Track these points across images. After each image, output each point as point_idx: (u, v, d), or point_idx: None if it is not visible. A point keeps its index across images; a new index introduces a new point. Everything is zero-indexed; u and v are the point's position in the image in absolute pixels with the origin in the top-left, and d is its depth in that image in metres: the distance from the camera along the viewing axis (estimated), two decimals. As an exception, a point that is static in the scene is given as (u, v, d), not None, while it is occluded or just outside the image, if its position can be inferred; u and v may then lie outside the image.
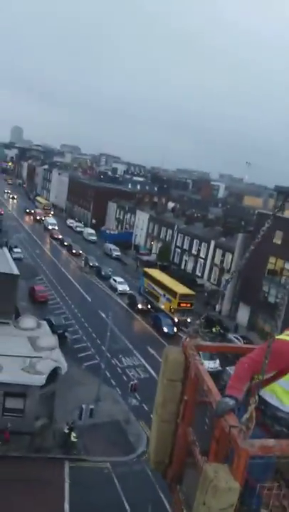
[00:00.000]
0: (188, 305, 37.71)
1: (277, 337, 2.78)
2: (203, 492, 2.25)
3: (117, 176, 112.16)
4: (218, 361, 29.15)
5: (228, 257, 43.48)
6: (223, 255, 44.62)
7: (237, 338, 34.54)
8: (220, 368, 28.69)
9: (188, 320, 35.71)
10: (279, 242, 35.62)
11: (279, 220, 35.46)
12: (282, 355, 2.67)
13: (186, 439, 3.06)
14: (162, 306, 38.82)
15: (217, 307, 41.84)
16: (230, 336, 35.42)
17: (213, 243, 46.49)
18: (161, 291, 39.67)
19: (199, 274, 48.16)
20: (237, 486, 2.23)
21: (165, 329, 35.04)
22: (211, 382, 2.84)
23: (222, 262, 44.80)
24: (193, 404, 3.12)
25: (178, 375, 3.13)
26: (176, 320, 36.41)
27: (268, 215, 38.58)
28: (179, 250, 53.22)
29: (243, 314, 40.22)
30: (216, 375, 28.64)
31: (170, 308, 37.71)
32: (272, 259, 37.01)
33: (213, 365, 29.21)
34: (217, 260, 45.56)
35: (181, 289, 38.41)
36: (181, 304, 37.22)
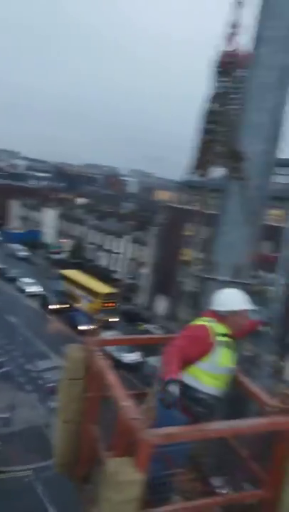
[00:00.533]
0: (113, 304, 37.18)
1: (193, 322, 2.96)
2: (107, 488, 2.19)
3: (17, 172, 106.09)
4: (138, 353, 29.65)
5: (143, 250, 44.32)
6: (138, 249, 45.39)
7: (156, 329, 35.45)
8: (140, 360, 29.23)
9: (114, 320, 35.42)
10: (189, 233, 37.20)
11: (188, 213, 37.11)
12: (198, 339, 2.83)
13: (91, 437, 2.99)
14: (85, 308, 37.82)
15: (135, 300, 42.53)
16: (149, 326, 36.28)
17: (127, 238, 47.02)
18: (81, 293, 38.59)
19: (115, 270, 48.43)
20: (140, 478, 2.20)
21: (81, 327, 34.61)
22: (113, 377, 2.79)
23: (137, 255, 45.55)
24: (97, 401, 3.05)
25: (79, 373, 3.03)
26: (101, 320, 35.88)
27: (177, 208, 40.14)
28: (92, 246, 52.88)
29: (161, 305, 41.39)
30: (136, 367, 29.20)
31: (93, 310, 37.00)
32: (184, 251, 38.52)
33: (134, 357, 29.67)
34: (132, 254, 46.21)
35: (103, 288, 37.68)
36: (105, 304, 36.53)
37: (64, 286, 41.24)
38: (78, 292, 38.80)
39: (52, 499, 16.81)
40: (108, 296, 37.03)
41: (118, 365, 28.79)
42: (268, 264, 4.21)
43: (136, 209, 62.17)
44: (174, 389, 2.49)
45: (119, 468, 2.18)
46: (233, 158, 2.47)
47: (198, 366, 2.85)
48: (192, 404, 2.84)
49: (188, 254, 38.50)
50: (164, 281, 39.98)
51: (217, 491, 2.89)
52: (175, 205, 42.41)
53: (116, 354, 29.61)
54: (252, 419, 2.66)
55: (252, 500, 2.73)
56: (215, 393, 2.91)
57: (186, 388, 2.81)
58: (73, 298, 39.31)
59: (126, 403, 2.48)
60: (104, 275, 44.96)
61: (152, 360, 26.92)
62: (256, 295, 3.75)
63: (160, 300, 41.59)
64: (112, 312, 36.53)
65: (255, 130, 3.68)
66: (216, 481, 3.00)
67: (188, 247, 38.02)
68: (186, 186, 43.10)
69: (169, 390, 2.49)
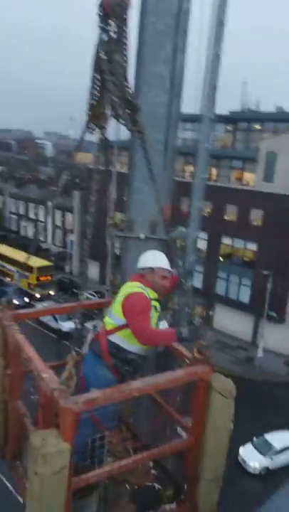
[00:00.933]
0: (49, 277, 35.69)
1: (131, 290, 3.03)
2: (34, 462, 2.15)
3: None
4: (76, 320, 29.61)
5: (69, 216, 43.28)
6: (63, 216, 44.22)
7: (92, 294, 35.51)
8: (79, 327, 29.27)
9: (51, 293, 34.34)
10: (115, 196, 36.86)
11: (110, 174, 36.50)
12: (148, 308, 2.96)
13: (17, 413, 2.91)
14: (19, 284, 35.58)
15: (67, 268, 41.96)
16: (84, 292, 36.15)
17: (50, 204, 45.48)
18: (13, 268, 36.41)
19: (42, 239, 47.03)
20: (66, 447, 2.19)
21: (15, 301, 33.56)
22: (30, 351, 2.71)
23: (63, 222, 44.44)
24: (19, 377, 2.96)
25: None
26: (37, 295, 34.66)
27: (98, 170, 39.27)
28: (15, 217, 50.54)
29: (94, 270, 41.29)
30: (75, 335, 29.21)
31: (28, 285, 35.52)
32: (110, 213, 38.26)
33: (72, 325, 29.63)
34: (58, 222, 44.97)
35: (37, 262, 35.63)
36: (41, 278, 34.97)
37: None
38: (10, 268, 36.73)
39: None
40: (43, 269, 35.47)
41: (59, 334, 28.73)
42: (182, 218, 4.27)
43: (56, 174, 59.86)
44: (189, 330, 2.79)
45: (44, 441, 2.15)
46: (128, 110, 2.37)
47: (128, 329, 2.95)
48: (121, 364, 2.97)
49: (114, 216, 38.26)
50: (94, 246, 39.64)
51: (147, 446, 3.00)
52: (95, 167, 41.43)
53: (54, 324, 29.39)
54: (171, 373, 2.75)
55: (180, 448, 2.89)
56: (142, 353, 3.07)
57: (116, 349, 2.97)
58: (5, 274, 37.25)
59: (45, 374, 2.43)
60: (30, 246, 43.41)
61: (90, 325, 27.10)
62: (173, 249, 3.80)
63: (92, 266, 41.45)
64: (49, 286, 35.39)
65: (153, 81, 3.56)
66: (145, 437, 3.12)
67: (113, 210, 37.72)
68: (103, 146, 42.04)
69: (178, 330, 2.77)
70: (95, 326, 3.35)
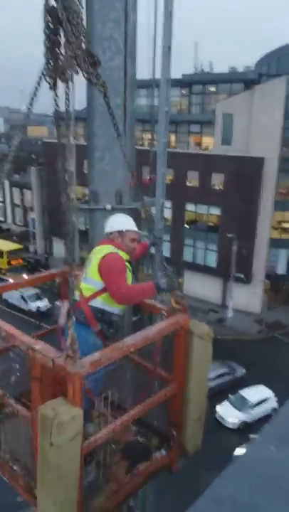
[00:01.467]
0: (20, 261, 34.49)
1: (105, 251, 3.03)
2: (48, 434, 2.14)
3: None
4: (46, 300, 29.42)
5: (27, 194, 42.01)
6: (22, 193, 42.89)
7: (25, 260, 35.04)
8: (49, 305, 29.15)
9: (25, 276, 33.19)
10: (72, 169, 35.94)
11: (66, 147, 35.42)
12: (124, 269, 3.00)
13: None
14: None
15: (31, 248, 41.11)
16: (52, 271, 35.70)
17: (7, 183, 43.90)
18: None
19: (2, 219, 45.64)
20: (79, 411, 2.21)
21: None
22: (7, 326, 2.66)
23: (22, 200, 43.16)
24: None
25: None
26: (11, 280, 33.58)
27: (55, 143, 38.05)
28: (-28, 199, 48.62)
29: (58, 248, 40.68)
30: (47, 313, 29.18)
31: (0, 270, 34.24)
32: (71, 189, 37.41)
33: (42, 304, 29.45)
34: (17, 200, 43.63)
35: (5, 245, 34.52)
36: (12, 262, 33.74)
37: None
38: None
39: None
40: (13, 253, 34.23)
41: (29, 314, 28.48)
42: (146, 187, 4.23)
43: (10, 150, 57.31)
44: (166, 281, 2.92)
45: (55, 410, 2.14)
46: (88, 61, 2.26)
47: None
48: (107, 328, 3.03)
49: (74, 190, 37.43)
50: (57, 223, 38.98)
51: (129, 408, 3.07)
52: (51, 141, 40.17)
53: (24, 305, 29.03)
54: (155, 326, 2.81)
55: (165, 398, 2.99)
56: (122, 313, 3.17)
57: (102, 313, 3.01)
58: None
59: (38, 346, 2.40)
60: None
61: (59, 303, 26.98)
62: (140, 218, 3.79)
63: (57, 243, 40.83)
64: (21, 269, 33.92)
65: (106, 43, 3.42)
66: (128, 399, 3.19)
67: (76, 184, 36.91)
68: (57, 118, 40.62)
69: (166, 283, 2.90)
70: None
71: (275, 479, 1.99)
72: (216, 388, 20.44)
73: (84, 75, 2.32)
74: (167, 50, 3.67)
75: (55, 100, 2.48)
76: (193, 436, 3.18)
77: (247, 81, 31.61)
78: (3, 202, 44.67)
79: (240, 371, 22.86)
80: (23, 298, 29.09)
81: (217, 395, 20.07)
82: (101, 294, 2.98)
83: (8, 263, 33.65)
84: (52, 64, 2.25)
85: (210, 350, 2.95)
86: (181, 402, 2.99)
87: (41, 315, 28.77)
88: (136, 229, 3.27)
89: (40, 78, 2.29)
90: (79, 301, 3.04)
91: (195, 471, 15.62)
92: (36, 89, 2.33)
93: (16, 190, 43.16)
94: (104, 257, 2.99)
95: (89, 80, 2.36)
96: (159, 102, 3.92)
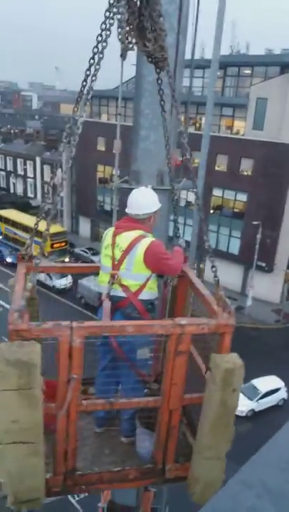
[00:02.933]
0: (63, 244, 33.95)
1: (148, 239, 2.95)
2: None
3: None
4: (69, 277, 29.89)
5: (58, 171, 42.21)
6: (52, 171, 43.19)
7: (84, 251, 35.42)
8: (71, 284, 29.74)
9: (67, 260, 32.46)
10: (103, 148, 35.90)
11: (98, 126, 35.39)
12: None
13: None
14: (33, 252, 34.09)
15: (58, 224, 41.60)
16: (77, 250, 36.15)
17: (38, 160, 44.26)
18: (26, 235, 33.55)
19: (32, 196, 46.20)
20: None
21: (8, 259, 33.60)
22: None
23: (52, 178, 43.45)
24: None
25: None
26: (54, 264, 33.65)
27: (87, 121, 37.98)
28: (2, 173, 49.29)
29: (84, 227, 41.04)
30: (69, 291, 29.65)
31: (44, 253, 33.89)
32: (100, 168, 37.44)
33: (66, 281, 29.97)
34: (47, 177, 44.01)
35: (52, 229, 33.98)
36: (55, 245, 33.04)
37: (2, 228, 36.89)
38: (21, 234, 34.56)
39: None
40: (57, 235, 33.14)
41: (52, 291, 29.02)
42: (184, 169, 4.22)
43: (43, 127, 57.69)
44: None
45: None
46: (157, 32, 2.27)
47: (152, 279, 2.98)
48: (153, 316, 3.01)
49: (105, 170, 37.51)
50: (85, 202, 39.20)
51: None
52: (84, 119, 40.03)
53: (49, 281, 29.57)
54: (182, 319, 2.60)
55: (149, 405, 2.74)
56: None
57: (151, 304, 3.00)
58: (18, 242, 34.48)
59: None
60: (22, 203, 42.69)
61: (84, 282, 27.42)
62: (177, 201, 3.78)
63: (83, 222, 41.14)
64: (64, 253, 33.78)
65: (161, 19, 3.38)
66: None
67: (104, 164, 36.92)
68: (93, 96, 40.36)
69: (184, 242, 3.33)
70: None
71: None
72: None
73: (155, 47, 2.32)
74: (220, 28, 3.60)
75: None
76: (205, 484, 2.59)
77: (283, 64, 30.50)
78: (34, 178, 45.11)
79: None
80: (48, 274, 29.67)
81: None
82: (146, 285, 2.93)
83: (52, 246, 32.69)
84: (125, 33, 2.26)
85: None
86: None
87: (62, 291, 29.30)
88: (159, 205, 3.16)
89: (99, 53, 2.28)
90: (127, 297, 2.90)
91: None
92: (98, 64, 2.34)
93: (46, 168, 43.45)
94: (148, 249, 2.88)
95: (159, 51, 2.37)
96: (209, 83, 3.86)
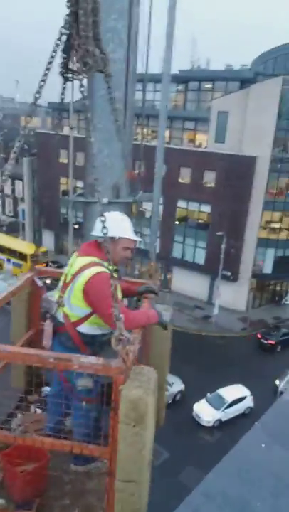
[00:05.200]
0: (44, 265, 33.47)
1: (92, 271, 2.56)
2: None
3: None
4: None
5: (19, 184, 41.62)
6: (13, 184, 42.47)
7: (48, 264, 34.83)
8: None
9: (48, 282, 31.49)
10: (65, 161, 35.68)
11: (60, 138, 35.15)
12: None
13: None
14: (12, 273, 31.86)
15: (20, 239, 40.78)
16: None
17: (-2, 173, 43.46)
18: (2, 256, 33.17)
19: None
20: None
21: None
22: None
23: (13, 191, 42.73)
24: None
25: None
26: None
27: (48, 134, 37.77)
28: None
29: (48, 240, 40.46)
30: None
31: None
32: (63, 180, 37.20)
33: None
34: (7, 190, 43.20)
35: (28, 248, 32.15)
36: (36, 267, 32.39)
37: None
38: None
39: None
40: (38, 256, 32.57)
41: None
42: (133, 181, 4.20)
43: (2, 140, 56.73)
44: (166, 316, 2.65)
45: None
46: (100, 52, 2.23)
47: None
48: (96, 350, 2.66)
49: (67, 182, 37.22)
50: (47, 214, 38.72)
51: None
52: (46, 132, 39.80)
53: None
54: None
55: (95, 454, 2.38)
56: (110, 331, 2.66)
57: (92, 338, 2.65)
58: None
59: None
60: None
61: (49, 295, 26.84)
62: (135, 214, 3.76)
63: (46, 235, 40.57)
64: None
65: (110, 35, 3.37)
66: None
67: (66, 176, 36.63)
68: (54, 109, 40.32)
69: (163, 319, 2.63)
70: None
71: (264, 475, 2.02)
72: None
73: (97, 64, 2.27)
74: (170, 41, 3.65)
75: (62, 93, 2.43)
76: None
77: (243, 80, 31.68)
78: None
79: (179, 386, 21.09)
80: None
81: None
82: (88, 319, 2.61)
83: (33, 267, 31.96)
84: (67, 55, 2.21)
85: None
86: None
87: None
88: (133, 236, 2.79)
89: (48, 68, 2.22)
90: (64, 324, 2.65)
91: (175, 467, 15.83)
92: (44, 80, 2.27)
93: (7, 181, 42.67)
94: (88, 281, 2.52)
95: (101, 70, 2.32)
96: (161, 96, 3.89)
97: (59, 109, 38.74)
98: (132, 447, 2.03)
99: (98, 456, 2.53)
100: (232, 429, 18.15)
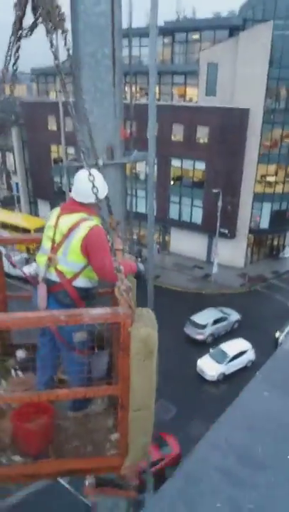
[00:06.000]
0: None
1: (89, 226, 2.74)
2: None
3: None
4: (34, 264, 29.18)
5: (9, 156, 40.68)
6: (3, 156, 41.47)
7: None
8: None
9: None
10: (54, 128, 34.74)
11: (47, 105, 34.07)
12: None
13: None
14: (17, 249, 31.55)
15: (16, 211, 40.44)
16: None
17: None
18: (4, 232, 33.28)
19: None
20: None
21: None
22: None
23: (4, 163, 41.78)
24: None
25: None
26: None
27: (34, 103, 36.52)
28: None
29: (44, 210, 40.09)
30: (36, 278, 28.93)
31: (27, 250, 32.73)
32: (53, 148, 36.33)
33: (31, 268, 29.29)
34: (-2, 162, 42.30)
35: (31, 222, 32.34)
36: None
37: None
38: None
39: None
40: (41, 230, 31.93)
41: (17, 279, 28.36)
42: (126, 141, 4.13)
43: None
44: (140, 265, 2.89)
45: None
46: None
47: (90, 267, 2.80)
48: (90, 303, 2.86)
49: (59, 150, 36.32)
50: (42, 185, 38.16)
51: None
52: (32, 100, 38.50)
53: (12, 270, 28.76)
54: (90, 310, 2.52)
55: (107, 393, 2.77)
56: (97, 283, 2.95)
57: (86, 292, 2.84)
58: None
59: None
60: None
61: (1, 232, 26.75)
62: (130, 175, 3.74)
63: (42, 205, 40.16)
64: None
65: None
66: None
67: (56, 143, 35.68)
68: (38, 75, 38.76)
69: (140, 268, 2.85)
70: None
71: (268, 422, 2.15)
72: (215, 334, 22.45)
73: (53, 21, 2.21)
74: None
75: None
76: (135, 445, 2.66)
77: (231, 27, 30.22)
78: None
79: (235, 316, 23.95)
80: (11, 263, 28.70)
81: (214, 342, 21.90)
82: (82, 272, 2.79)
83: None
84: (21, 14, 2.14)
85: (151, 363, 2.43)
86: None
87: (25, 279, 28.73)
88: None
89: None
90: (60, 282, 2.79)
91: (184, 422, 16.56)
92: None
93: (-4, 153, 41.69)
94: (87, 235, 2.69)
95: (54, 26, 2.26)
96: (149, 52, 3.75)
97: (44, 74, 37.20)
98: (145, 378, 2.39)
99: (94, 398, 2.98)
100: (235, 382, 18.82)
